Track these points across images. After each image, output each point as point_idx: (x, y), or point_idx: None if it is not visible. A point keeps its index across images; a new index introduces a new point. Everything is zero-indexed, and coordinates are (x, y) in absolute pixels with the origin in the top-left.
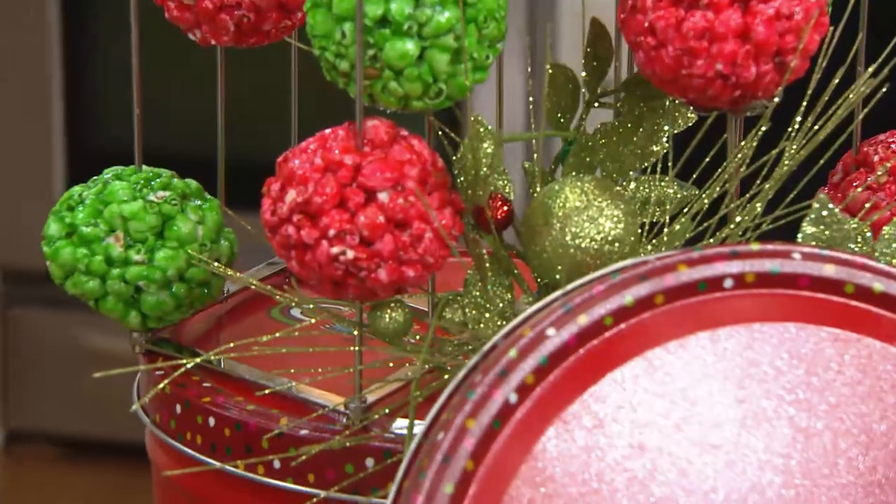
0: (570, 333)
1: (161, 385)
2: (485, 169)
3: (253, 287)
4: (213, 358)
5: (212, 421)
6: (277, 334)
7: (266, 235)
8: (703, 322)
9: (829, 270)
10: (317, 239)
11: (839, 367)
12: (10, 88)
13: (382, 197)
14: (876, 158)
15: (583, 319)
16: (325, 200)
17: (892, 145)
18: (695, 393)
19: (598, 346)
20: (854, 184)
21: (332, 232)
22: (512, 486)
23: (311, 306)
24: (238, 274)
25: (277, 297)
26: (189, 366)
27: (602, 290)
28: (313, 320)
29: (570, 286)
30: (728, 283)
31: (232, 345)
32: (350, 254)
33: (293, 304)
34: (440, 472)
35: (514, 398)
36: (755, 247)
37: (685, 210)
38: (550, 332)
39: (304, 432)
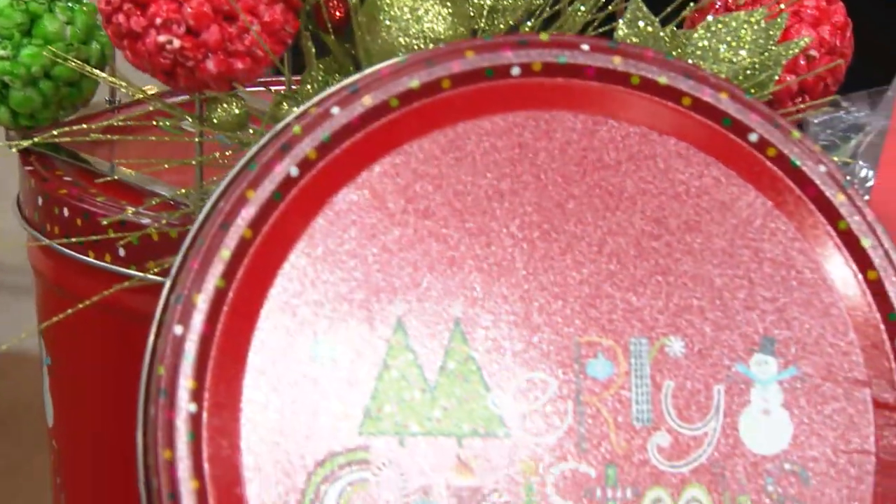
0: (355, 113)
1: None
2: None
3: (124, 89)
4: (85, 156)
5: (66, 211)
6: (108, 122)
7: (102, 24)
8: (489, 107)
9: (616, 62)
10: (145, 27)
11: (625, 157)
12: None
13: None
14: None
15: (367, 100)
16: None
17: None
18: (474, 173)
19: (382, 126)
20: (716, 5)
21: (158, 20)
22: (290, 256)
23: (162, 106)
24: (102, 73)
25: (138, 94)
26: (14, 149)
27: (388, 72)
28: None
29: (363, 72)
30: (515, 70)
31: (66, 129)
32: (176, 43)
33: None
34: (217, 238)
35: (295, 172)
36: (544, 37)
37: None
38: (335, 110)
39: (146, 221)
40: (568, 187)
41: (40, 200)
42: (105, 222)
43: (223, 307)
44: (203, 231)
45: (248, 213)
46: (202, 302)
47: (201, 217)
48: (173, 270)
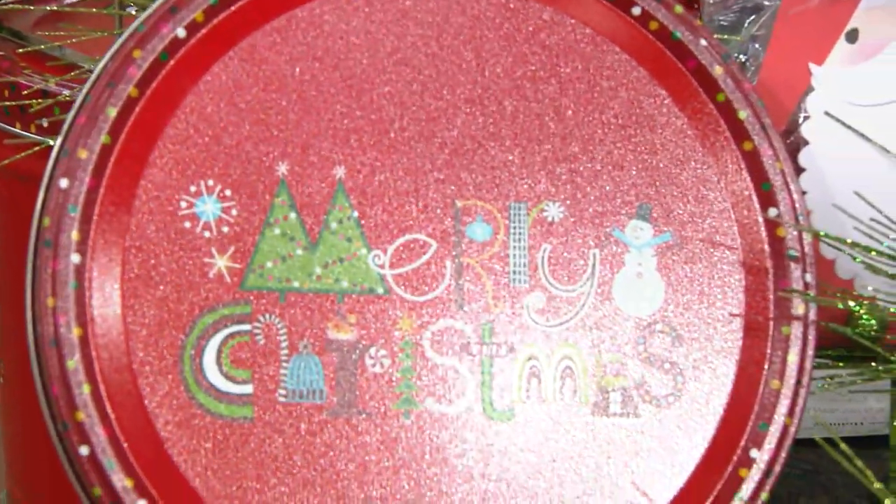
0: None
1: None
2: None
3: None
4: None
5: None
6: None
7: None
8: None
9: None
10: None
11: (508, 27)
12: None
13: None
14: None
15: None
16: None
17: None
18: (358, 39)
19: None
20: None
21: None
22: (176, 114)
23: None
24: None
25: None
26: None
27: None
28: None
29: None
30: None
31: None
32: None
33: None
34: (104, 96)
35: (182, 33)
36: None
37: None
38: None
39: (66, 92)
40: (450, 54)
41: None
42: (26, 92)
43: (108, 162)
44: (92, 89)
45: (133, 72)
46: (87, 156)
47: (93, 77)
48: (64, 127)
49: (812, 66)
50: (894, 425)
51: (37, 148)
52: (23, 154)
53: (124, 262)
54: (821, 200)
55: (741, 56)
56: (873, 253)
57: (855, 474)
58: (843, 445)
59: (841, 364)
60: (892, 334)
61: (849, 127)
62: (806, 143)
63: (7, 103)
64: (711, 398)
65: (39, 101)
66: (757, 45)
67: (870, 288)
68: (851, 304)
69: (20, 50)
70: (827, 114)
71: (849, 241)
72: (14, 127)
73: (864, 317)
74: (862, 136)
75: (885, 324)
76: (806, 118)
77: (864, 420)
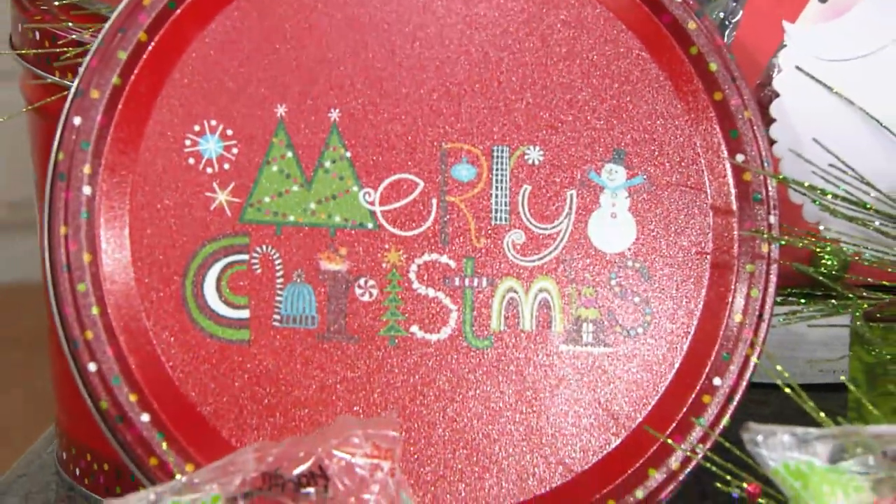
0: None
1: None
2: None
3: None
4: None
5: (37, 35)
6: None
7: None
8: None
9: None
10: None
11: None
12: None
13: None
14: None
15: None
16: None
17: None
18: None
19: None
20: None
21: None
22: (182, 59)
23: None
24: None
25: None
26: None
27: None
28: None
29: None
30: None
31: None
32: None
33: None
34: (115, 40)
35: None
36: None
37: None
38: None
39: (91, 38)
40: (440, 6)
41: (20, 27)
42: (61, 42)
43: (119, 102)
44: (106, 35)
45: (143, 18)
46: (100, 96)
47: (108, 23)
48: (80, 70)
49: (785, 23)
50: (850, 355)
51: (65, 92)
52: (53, 98)
53: (132, 194)
54: (790, 148)
55: (720, 13)
56: (830, 196)
57: (800, 403)
58: (785, 374)
59: (803, 301)
60: (852, 274)
61: (817, 80)
62: (777, 95)
63: (42, 50)
64: (678, 330)
65: (73, 49)
66: (734, 3)
67: (821, 227)
68: (807, 241)
69: (56, 2)
70: (798, 68)
71: (806, 184)
72: (54, 76)
73: (826, 258)
74: (829, 89)
75: (845, 264)
76: (778, 72)
77: None
